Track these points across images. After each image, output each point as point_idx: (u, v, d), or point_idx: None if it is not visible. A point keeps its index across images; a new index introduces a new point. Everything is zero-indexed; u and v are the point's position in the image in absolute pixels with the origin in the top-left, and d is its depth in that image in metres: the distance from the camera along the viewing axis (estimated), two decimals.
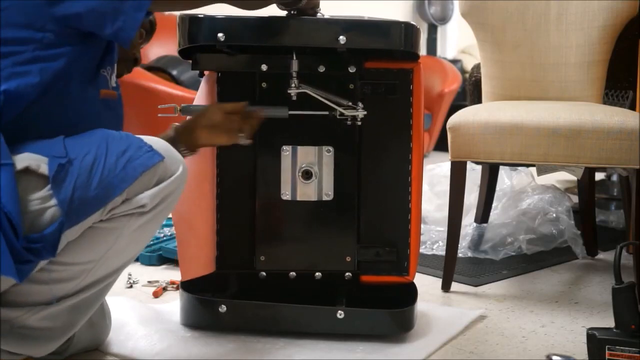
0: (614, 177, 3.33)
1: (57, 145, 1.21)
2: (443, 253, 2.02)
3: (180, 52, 1.55)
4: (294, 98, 1.56)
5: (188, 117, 1.54)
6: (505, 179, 2.73)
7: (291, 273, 1.67)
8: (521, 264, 2.27)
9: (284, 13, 1.52)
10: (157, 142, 1.29)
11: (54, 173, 1.18)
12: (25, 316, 1.26)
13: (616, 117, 1.83)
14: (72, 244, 1.24)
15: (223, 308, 1.58)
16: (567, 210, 2.49)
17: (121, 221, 1.25)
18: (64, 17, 1.22)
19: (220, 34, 1.46)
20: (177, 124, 1.52)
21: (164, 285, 1.97)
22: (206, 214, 1.63)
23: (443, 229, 2.25)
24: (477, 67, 2.76)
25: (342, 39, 1.47)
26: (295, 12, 1.51)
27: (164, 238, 2.32)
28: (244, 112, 1.53)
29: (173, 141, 1.42)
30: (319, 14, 1.54)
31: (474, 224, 2.53)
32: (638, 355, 1.38)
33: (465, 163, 1.96)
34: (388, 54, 1.63)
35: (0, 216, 1.12)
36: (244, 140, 1.53)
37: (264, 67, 1.59)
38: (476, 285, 2.04)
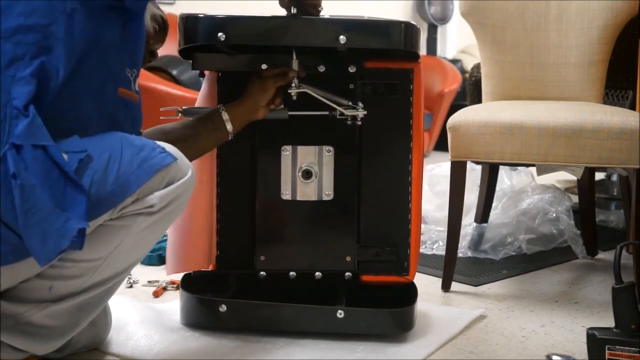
0: (614, 177, 3.33)
1: (74, 142, 1.22)
2: (443, 253, 2.01)
3: (180, 52, 1.55)
4: (294, 98, 1.56)
5: (246, 98, 1.56)
6: (505, 179, 2.73)
7: (291, 273, 1.67)
8: (521, 264, 2.27)
9: (284, 12, 1.52)
10: (168, 146, 1.32)
11: (75, 168, 1.19)
12: (30, 312, 1.27)
13: (616, 117, 1.83)
14: None
15: (223, 308, 1.58)
16: (567, 210, 2.49)
17: (130, 220, 1.27)
18: None
19: (220, 34, 1.46)
20: (222, 107, 1.54)
21: (164, 285, 1.97)
22: (202, 211, 1.63)
23: (443, 229, 2.25)
24: (477, 67, 2.76)
25: (342, 38, 1.46)
26: (296, 12, 1.51)
27: (164, 238, 2.32)
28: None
29: (221, 122, 1.52)
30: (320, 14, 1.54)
31: (474, 224, 2.53)
32: (638, 355, 1.38)
33: (465, 163, 1.96)
34: (388, 53, 1.63)
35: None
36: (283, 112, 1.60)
37: (264, 67, 1.59)
38: (476, 285, 2.04)
